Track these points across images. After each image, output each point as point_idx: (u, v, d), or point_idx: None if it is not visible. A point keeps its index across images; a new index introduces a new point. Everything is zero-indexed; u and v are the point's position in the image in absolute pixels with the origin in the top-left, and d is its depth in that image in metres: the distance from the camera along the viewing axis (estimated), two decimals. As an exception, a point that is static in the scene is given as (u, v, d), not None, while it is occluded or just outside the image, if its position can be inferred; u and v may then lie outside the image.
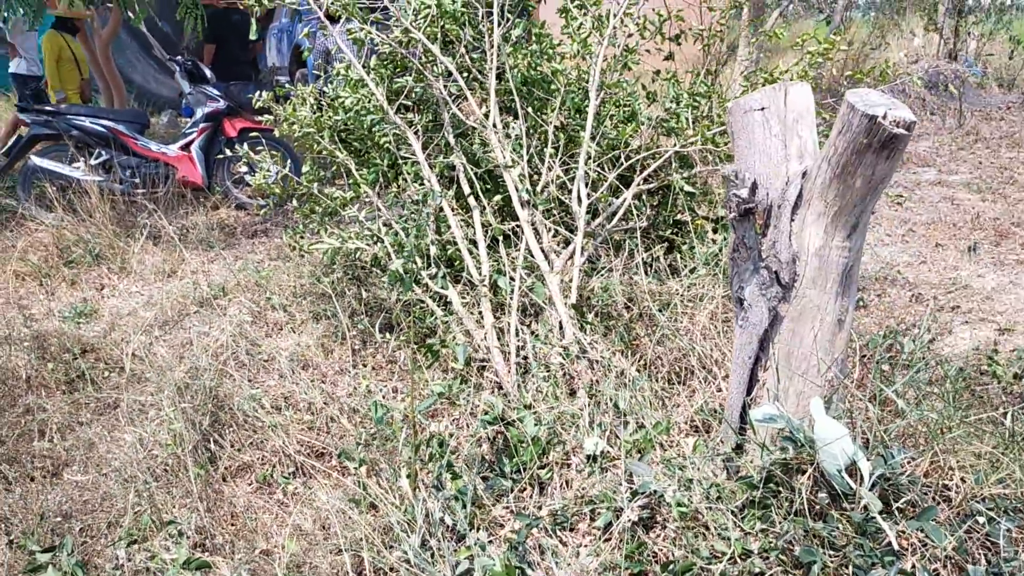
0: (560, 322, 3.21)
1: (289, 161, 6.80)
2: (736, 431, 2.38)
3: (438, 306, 3.49)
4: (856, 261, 2.29)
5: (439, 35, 3.76)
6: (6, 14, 5.01)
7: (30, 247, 5.41)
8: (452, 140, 3.75)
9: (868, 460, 2.05)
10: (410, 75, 3.89)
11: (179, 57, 6.74)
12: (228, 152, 6.46)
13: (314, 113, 4.19)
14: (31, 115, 6.38)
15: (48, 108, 6.42)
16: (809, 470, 2.06)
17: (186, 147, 6.61)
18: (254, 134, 6.79)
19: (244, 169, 6.77)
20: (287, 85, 10.73)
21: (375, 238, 3.72)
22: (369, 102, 3.90)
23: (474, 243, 3.56)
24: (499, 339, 3.24)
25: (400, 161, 3.95)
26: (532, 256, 3.43)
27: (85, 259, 5.22)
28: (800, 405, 2.30)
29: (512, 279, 3.35)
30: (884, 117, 2.03)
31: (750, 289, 2.35)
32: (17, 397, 3.27)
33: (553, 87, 3.83)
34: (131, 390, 3.26)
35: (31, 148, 6.50)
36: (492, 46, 3.64)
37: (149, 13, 6.74)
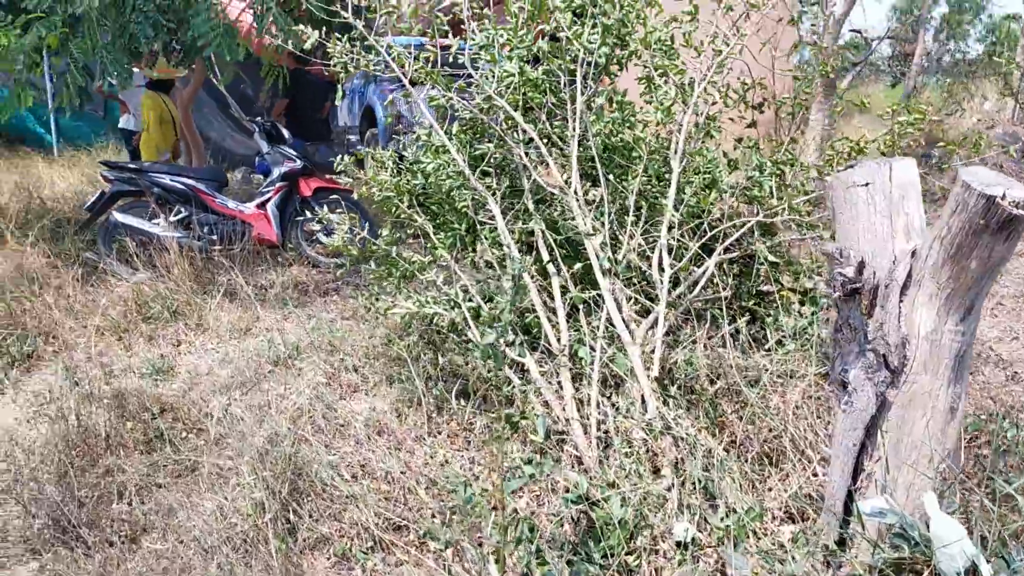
0: (642, 395, 3.12)
1: (364, 221, 6.89)
2: (839, 523, 2.25)
3: (515, 374, 3.44)
4: (969, 346, 2.17)
5: (520, 102, 3.77)
6: (100, 79, 5.19)
7: (110, 302, 5.53)
8: (531, 206, 3.74)
9: (988, 563, 1.91)
10: (490, 141, 3.90)
11: (259, 118, 6.93)
12: (305, 212, 6.58)
13: (393, 177, 4.23)
14: (114, 172, 6.59)
15: (131, 165, 6.63)
16: (925, 573, 1.92)
17: (262, 205, 6.74)
18: (329, 194, 6.92)
19: (318, 228, 6.91)
20: (359, 145, 10.96)
21: (452, 303, 3.70)
22: (449, 167, 3.91)
23: (553, 311, 3.51)
24: (578, 411, 3.16)
25: (478, 226, 3.94)
26: (612, 326, 3.36)
27: (163, 315, 5.31)
28: (909, 498, 2.16)
29: (592, 349, 3.28)
30: (1003, 197, 1.94)
31: (855, 372, 2.24)
32: (97, 457, 3.29)
33: (634, 154, 3.80)
34: (210, 453, 3.26)
35: (113, 204, 6.70)
36: (574, 114, 3.64)
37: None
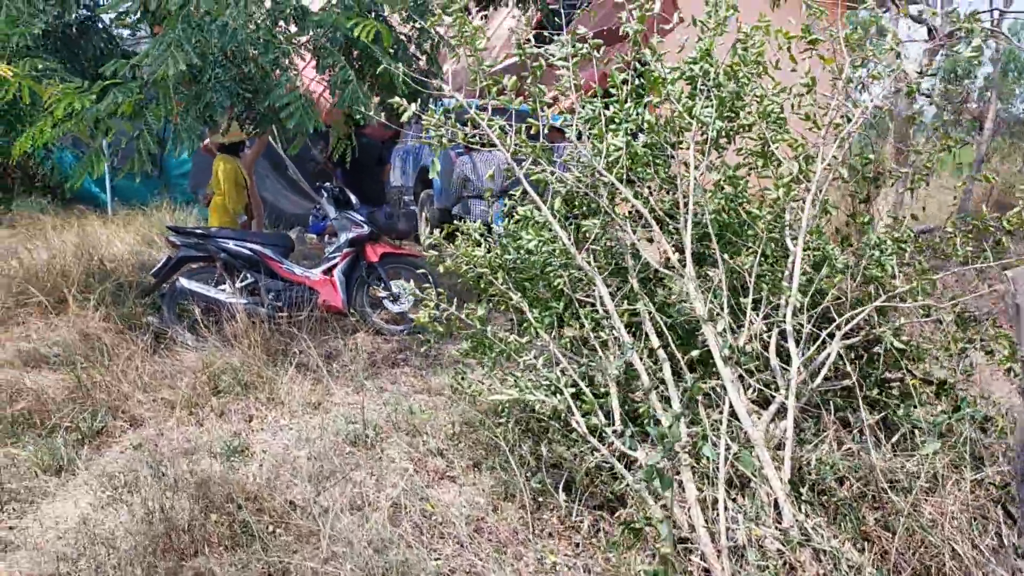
0: (775, 500, 2.86)
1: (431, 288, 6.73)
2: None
3: (616, 459, 3.20)
4: None
5: (625, 176, 3.59)
6: (170, 146, 5.12)
7: (179, 372, 5.38)
8: (636, 285, 3.53)
9: None
10: (590, 216, 3.72)
11: (327, 184, 6.84)
12: (371, 278, 6.42)
13: (485, 251, 4.06)
14: (181, 237, 6.51)
15: (198, 231, 6.55)
16: None
17: (329, 271, 6.61)
18: (395, 260, 6.78)
19: (383, 294, 6.76)
20: (412, 206, 10.87)
21: (553, 388, 3.48)
22: (551, 243, 3.73)
23: (666, 399, 3.27)
24: (703, 514, 2.90)
25: (576, 305, 3.74)
26: (735, 419, 3.11)
27: (234, 388, 5.14)
28: None
29: (715, 444, 3.03)
30: None
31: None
32: (183, 555, 3.08)
33: (748, 232, 3.59)
34: (303, 553, 3.03)
35: (179, 270, 6.61)
36: (684, 188, 3.44)
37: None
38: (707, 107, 3.40)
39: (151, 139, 5.11)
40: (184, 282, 6.38)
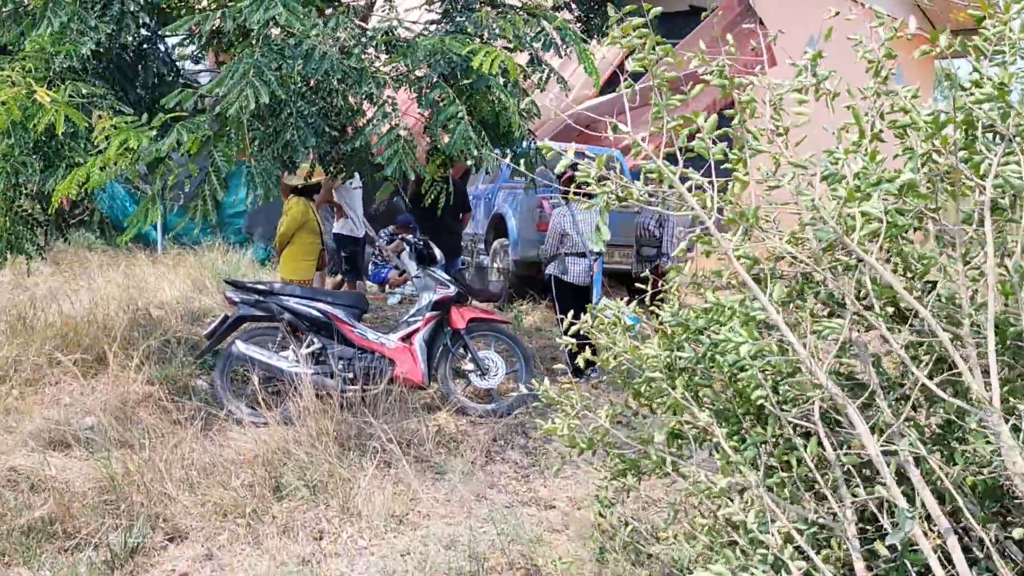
0: None
1: (522, 361, 5.75)
2: None
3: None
4: None
5: (885, 257, 2.56)
6: (245, 192, 4.22)
7: (231, 463, 4.42)
8: (889, 415, 2.47)
9: None
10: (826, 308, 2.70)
11: (410, 236, 5.91)
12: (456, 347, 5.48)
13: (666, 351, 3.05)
14: (239, 293, 5.62)
15: (260, 287, 5.65)
16: None
17: (408, 338, 5.66)
18: (483, 326, 5.82)
19: (470, 366, 5.77)
20: (483, 257, 9.89)
21: (776, 563, 2.43)
22: (758, 343, 2.70)
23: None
24: None
25: (793, 434, 2.69)
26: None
27: (299, 491, 4.16)
28: None
29: None
30: None
31: None
32: None
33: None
34: None
35: (236, 330, 5.71)
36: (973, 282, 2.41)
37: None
38: (1012, 160, 2.37)
39: (218, 183, 4.22)
40: (241, 346, 5.46)
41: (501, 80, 4.42)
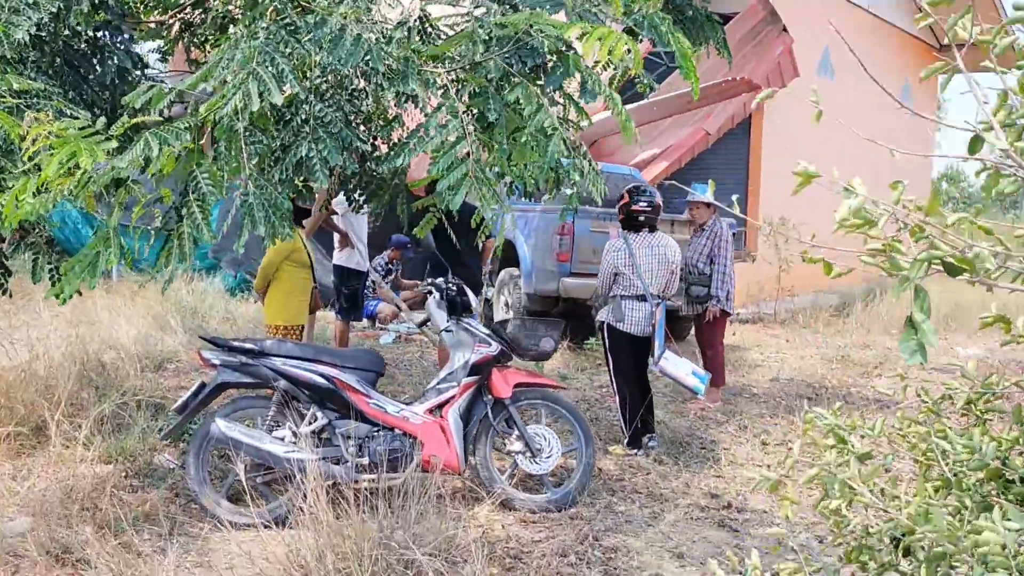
0: None
1: (581, 436, 4.56)
2: None
3: None
4: None
5: None
6: (248, 230, 2.99)
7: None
8: None
9: None
10: None
11: (439, 280, 4.68)
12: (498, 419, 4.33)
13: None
14: (220, 354, 4.36)
15: (246, 345, 4.39)
16: None
17: (438, 409, 4.44)
18: (530, 391, 4.62)
19: (517, 446, 4.57)
20: (489, 290, 8.61)
21: None
22: None
23: None
24: None
25: None
26: None
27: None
28: None
29: None
30: None
31: None
32: None
33: None
34: None
35: (215, 398, 4.45)
36: None
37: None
38: None
39: (202, 218, 3.00)
40: (222, 425, 4.19)
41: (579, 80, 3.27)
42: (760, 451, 5.40)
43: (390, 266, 9.41)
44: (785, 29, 10.78)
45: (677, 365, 5.21)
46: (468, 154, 2.78)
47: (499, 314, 8.99)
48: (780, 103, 11.75)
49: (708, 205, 6.49)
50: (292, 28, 2.84)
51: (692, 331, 7.78)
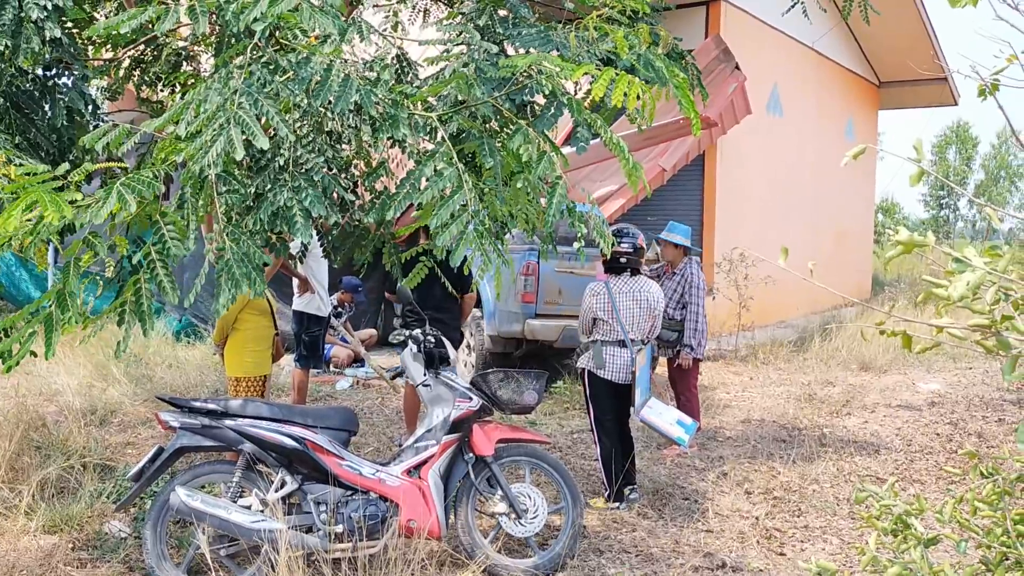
0: None
1: (566, 494, 4.31)
2: None
3: None
4: None
5: None
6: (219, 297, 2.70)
7: None
8: None
9: None
10: None
11: (417, 331, 4.41)
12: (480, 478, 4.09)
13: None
14: (180, 416, 4.03)
15: (208, 406, 4.07)
16: None
17: (415, 470, 4.15)
18: (513, 447, 4.37)
19: (501, 508, 4.30)
20: (457, 332, 8.37)
21: None
22: None
23: None
24: None
25: None
26: None
27: None
28: None
29: None
30: None
31: None
32: None
33: None
34: None
35: (174, 463, 4.10)
36: None
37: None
38: None
39: (164, 273, 2.72)
40: (182, 494, 3.86)
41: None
42: (745, 501, 5.22)
43: (339, 309, 9.03)
44: (738, 67, 10.84)
45: (661, 413, 5.02)
46: (466, 205, 2.55)
47: (455, 354, 8.71)
48: (733, 139, 11.85)
49: (677, 246, 6.35)
50: (272, 67, 2.59)
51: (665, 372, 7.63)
